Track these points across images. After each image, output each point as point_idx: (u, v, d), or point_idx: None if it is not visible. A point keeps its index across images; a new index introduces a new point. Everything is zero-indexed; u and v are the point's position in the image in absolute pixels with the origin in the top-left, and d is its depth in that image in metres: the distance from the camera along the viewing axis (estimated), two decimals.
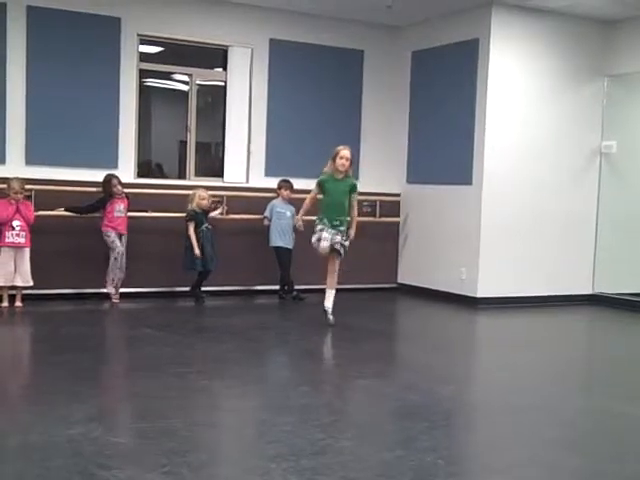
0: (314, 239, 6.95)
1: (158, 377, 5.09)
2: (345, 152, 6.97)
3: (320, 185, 7.05)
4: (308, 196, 7.23)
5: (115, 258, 7.80)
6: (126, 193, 7.95)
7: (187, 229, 8.10)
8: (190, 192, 8.24)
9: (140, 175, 8.63)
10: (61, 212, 7.75)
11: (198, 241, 8.08)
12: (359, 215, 7.50)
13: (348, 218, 7.09)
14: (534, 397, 5.02)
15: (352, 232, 7.08)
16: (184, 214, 8.18)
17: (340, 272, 7.08)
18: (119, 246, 7.81)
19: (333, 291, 7.06)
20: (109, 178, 7.89)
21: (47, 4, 7.87)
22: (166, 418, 4.19)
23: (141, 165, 8.87)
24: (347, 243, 6.99)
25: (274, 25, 9.05)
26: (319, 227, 6.96)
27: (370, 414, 4.66)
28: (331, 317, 7.02)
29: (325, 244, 6.87)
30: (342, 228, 6.96)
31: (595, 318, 8.77)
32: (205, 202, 8.21)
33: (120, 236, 7.89)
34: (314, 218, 7.11)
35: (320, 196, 7.12)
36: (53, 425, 3.97)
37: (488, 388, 5.43)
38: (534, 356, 6.43)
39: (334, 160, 6.96)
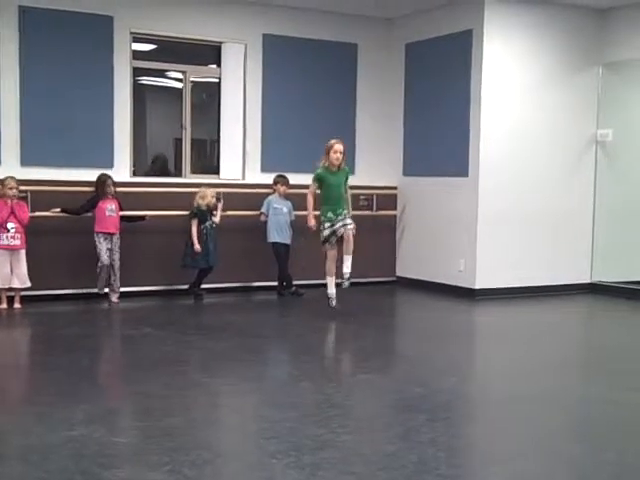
0: (327, 233, 7.25)
1: (158, 376, 5.10)
2: (339, 146, 7.32)
3: (319, 180, 7.35)
4: (309, 193, 7.49)
5: (100, 267, 7.77)
6: (116, 194, 7.91)
7: (190, 225, 8.13)
8: (196, 190, 8.27)
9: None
10: (56, 212, 7.73)
11: (200, 238, 8.11)
12: (354, 209, 7.90)
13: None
14: (534, 387, 5.03)
15: (349, 211, 7.47)
16: (185, 212, 8.20)
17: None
18: (104, 258, 7.73)
19: (350, 256, 7.25)
20: (104, 179, 7.86)
21: (39, 4, 7.83)
22: (167, 416, 4.19)
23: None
24: (352, 225, 7.29)
25: (267, 20, 9.02)
26: (327, 224, 7.28)
27: (370, 408, 4.66)
28: (347, 283, 7.24)
29: (341, 230, 7.20)
30: (345, 212, 7.31)
31: (594, 307, 8.77)
32: (209, 200, 8.24)
33: (111, 237, 7.84)
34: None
35: (319, 191, 7.41)
36: (54, 426, 3.96)
37: (488, 379, 5.44)
38: (533, 346, 6.43)
39: (328, 154, 7.28)
